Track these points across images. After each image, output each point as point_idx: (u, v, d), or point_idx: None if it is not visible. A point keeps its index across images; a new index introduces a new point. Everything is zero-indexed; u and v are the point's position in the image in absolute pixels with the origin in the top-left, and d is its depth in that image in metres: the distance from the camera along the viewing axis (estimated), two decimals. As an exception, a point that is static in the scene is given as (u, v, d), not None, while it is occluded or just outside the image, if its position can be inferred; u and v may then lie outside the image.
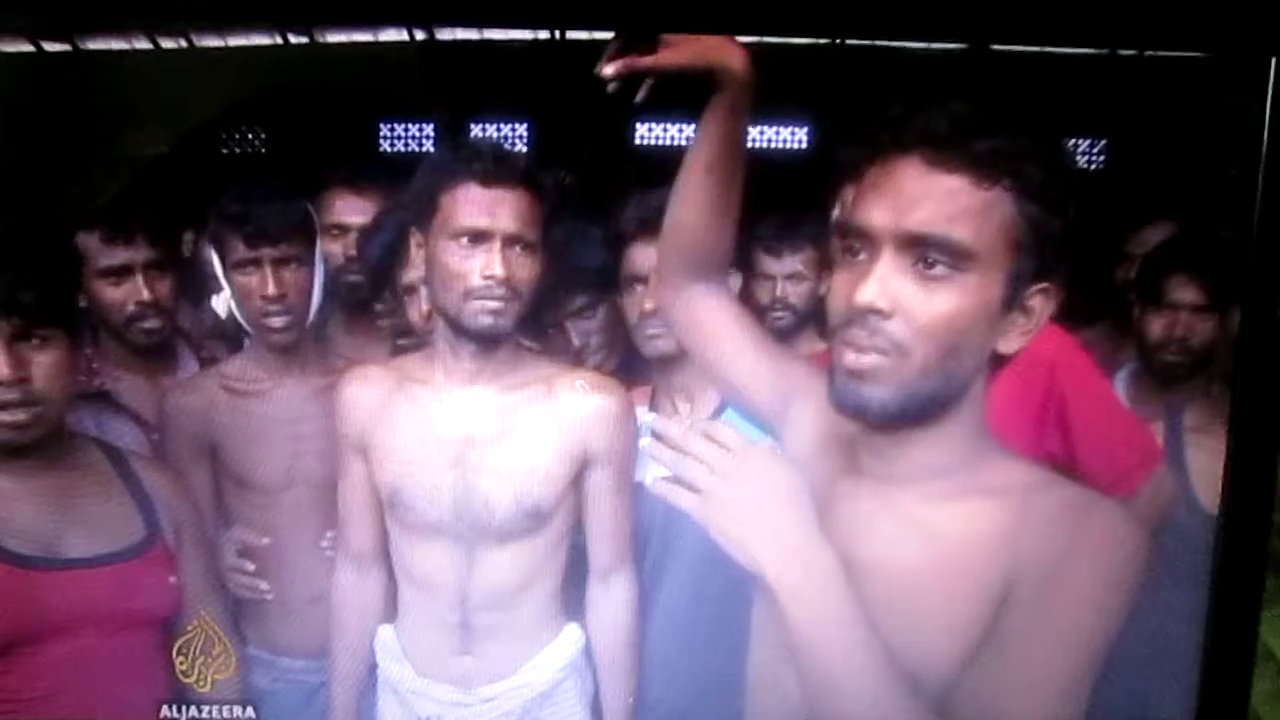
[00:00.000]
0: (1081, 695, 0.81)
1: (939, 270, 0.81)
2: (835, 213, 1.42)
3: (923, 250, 0.81)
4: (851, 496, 0.91)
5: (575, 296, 1.56)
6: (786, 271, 1.79)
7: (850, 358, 0.83)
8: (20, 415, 1.20)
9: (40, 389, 1.21)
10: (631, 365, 1.62)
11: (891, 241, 0.82)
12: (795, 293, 1.82)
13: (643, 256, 1.42)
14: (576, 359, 1.58)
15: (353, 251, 1.71)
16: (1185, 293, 1.64)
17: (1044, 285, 0.85)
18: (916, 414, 0.85)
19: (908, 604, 0.85)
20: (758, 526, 0.81)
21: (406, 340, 1.59)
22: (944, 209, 0.80)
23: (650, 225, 1.37)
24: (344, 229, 1.74)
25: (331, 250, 1.70)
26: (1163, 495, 1.49)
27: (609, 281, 1.50)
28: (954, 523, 0.87)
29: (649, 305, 1.41)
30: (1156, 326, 1.66)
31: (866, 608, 0.82)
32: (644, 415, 1.48)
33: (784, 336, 1.84)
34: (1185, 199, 1.98)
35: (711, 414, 1.44)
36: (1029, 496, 0.86)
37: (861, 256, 0.84)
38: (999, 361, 0.87)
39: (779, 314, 1.82)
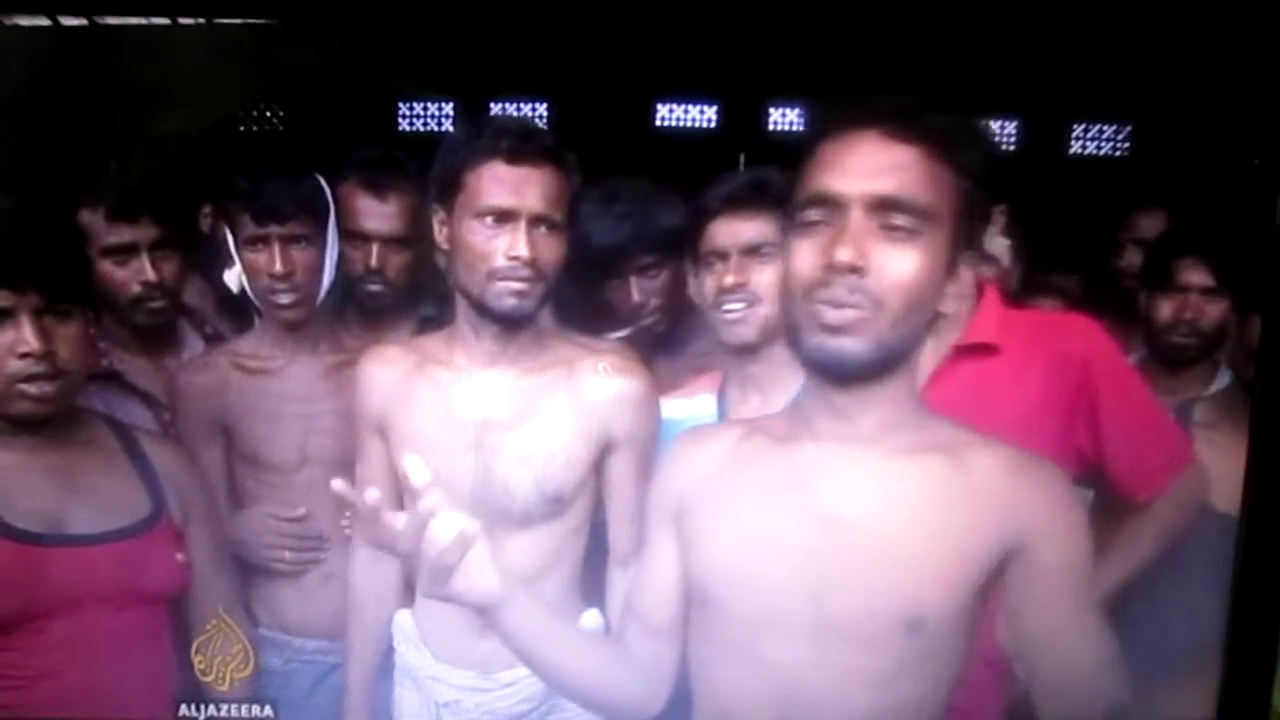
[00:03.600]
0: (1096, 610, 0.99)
1: (900, 233, 0.90)
2: None
3: (888, 213, 0.90)
4: (819, 463, 0.98)
5: (644, 254, 1.55)
6: None
7: (831, 314, 0.91)
8: (48, 388, 1.22)
9: (65, 362, 1.23)
10: (676, 339, 1.62)
11: (859, 205, 0.90)
12: None
13: (726, 232, 1.37)
14: (633, 315, 1.57)
15: (374, 262, 1.63)
16: (1194, 275, 1.68)
17: (966, 254, 0.96)
18: (881, 365, 0.93)
19: (888, 552, 0.95)
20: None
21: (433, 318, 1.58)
22: (906, 175, 0.91)
23: (735, 201, 1.37)
24: (365, 238, 1.63)
25: (351, 257, 1.64)
26: (1193, 495, 1.48)
27: (677, 245, 1.48)
28: (912, 474, 0.97)
29: (730, 280, 1.36)
30: (1165, 309, 1.70)
31: (850, 561, 0.95)
32: (707, 407, 1.45)
33: None
34: (1203, 187, 1.99)
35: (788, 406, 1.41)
36: (967, 453, 0.97)
37: (820, 225, 0.92)
38: (933, 326, 0.98)
39: None
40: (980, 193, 0.96)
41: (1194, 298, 1.68)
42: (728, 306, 1.37)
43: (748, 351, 1.40)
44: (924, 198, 0.91)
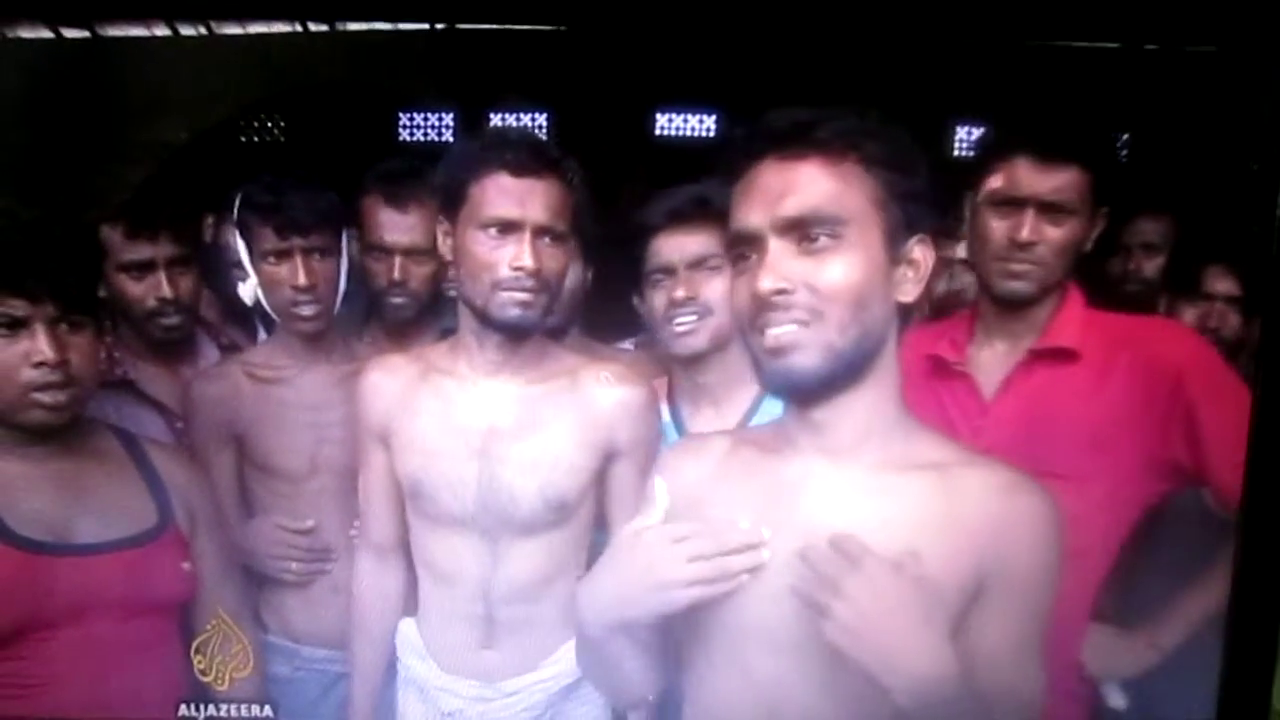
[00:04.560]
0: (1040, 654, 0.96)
1: (821, 243, 0.91)
2: None
3: (802, 230, 0.91)
4: (806, 477, 0.98)
5: None
6: None
7: (772, 337, 0.91)
8: (61, 396, 1.23)
9: (78, 371, 1.24)
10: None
11: (773, 231, 0.92)
12: None
13: (671, 247, 1.40)
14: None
15: (396, 275, 1.62)
16: (1221, 283, 1.65)
17: (920, 237, 0.95)
18: (842, 375, 0.93)
19: None
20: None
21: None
22: (808, 191, 0.91)
23: (679, 216, 1.38)
24: (387, 250, 1.62)
25: (374, 270, 1.64)
26: None
27: None
28: (899, 491, 0.95)
29: (680, 293, 1.38)
30: (1189, 316, 1.67)
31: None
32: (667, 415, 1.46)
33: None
34: (1204, 193, 2.00)
35: (741, 418, 1.42)
36: (958, 471, 0.96)
37: (752, 258, 0.93)
38: (906, 317, 0.97)
39: None
40: (908, 179, 0.94)
41: (1219, 306, 1.65)
42: (679, 320, 1.40)
43: (697, 361, 1.42)
44: (833, 205, 0.91)
